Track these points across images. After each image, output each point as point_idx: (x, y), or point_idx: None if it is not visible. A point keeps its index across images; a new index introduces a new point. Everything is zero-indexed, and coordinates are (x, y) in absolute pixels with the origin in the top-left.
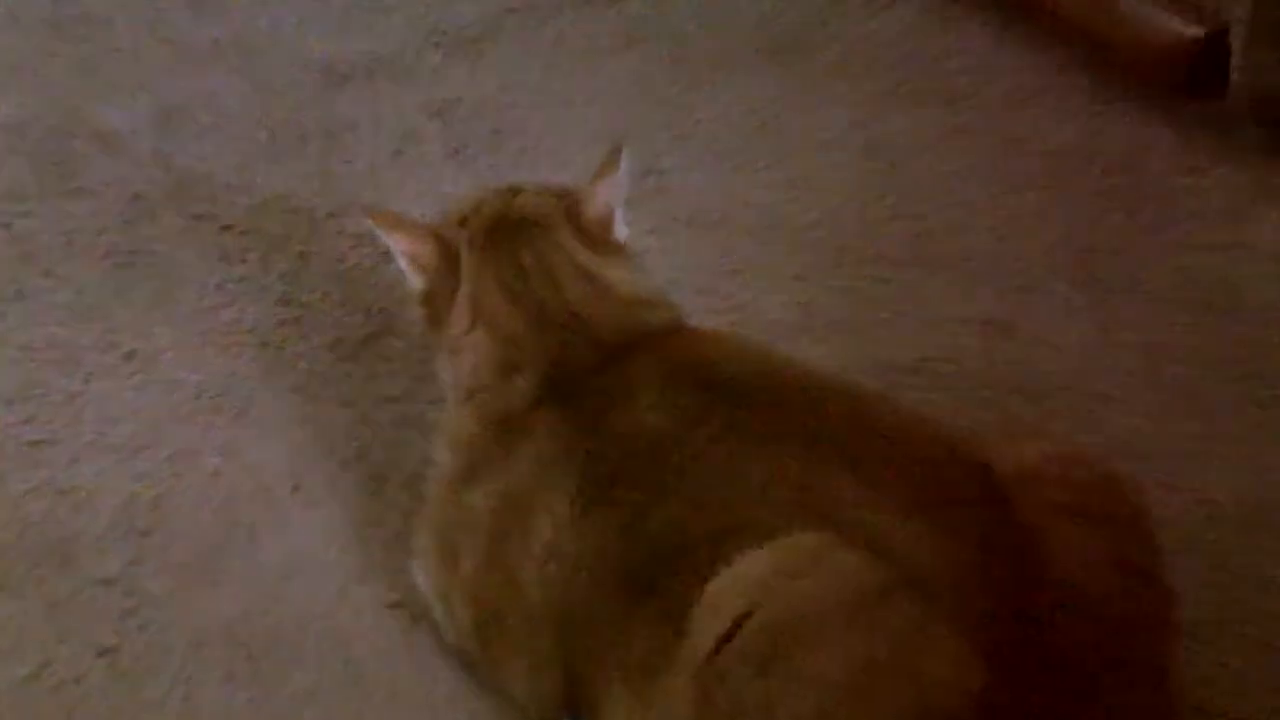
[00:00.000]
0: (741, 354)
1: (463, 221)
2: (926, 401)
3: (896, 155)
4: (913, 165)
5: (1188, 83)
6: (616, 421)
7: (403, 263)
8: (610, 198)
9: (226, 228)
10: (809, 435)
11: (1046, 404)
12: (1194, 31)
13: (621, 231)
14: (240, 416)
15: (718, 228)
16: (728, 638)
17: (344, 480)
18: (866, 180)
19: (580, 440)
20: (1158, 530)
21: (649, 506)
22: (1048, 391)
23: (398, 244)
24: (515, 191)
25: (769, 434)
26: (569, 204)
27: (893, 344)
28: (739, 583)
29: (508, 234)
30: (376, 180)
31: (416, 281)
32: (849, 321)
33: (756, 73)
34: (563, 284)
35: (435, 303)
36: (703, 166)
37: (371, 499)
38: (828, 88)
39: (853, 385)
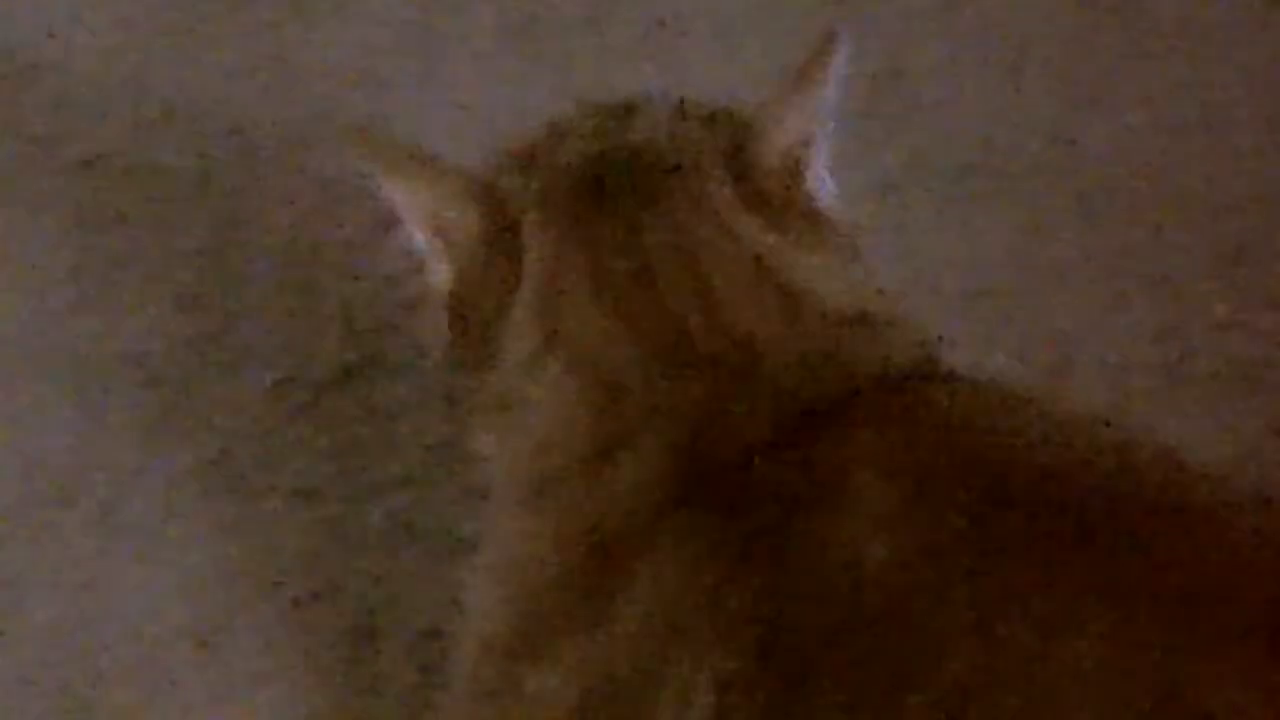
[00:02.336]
0: (1060, 434)
1: (530, 164)
2: None
3: None
4: None
5: None
6: (812, 548)
7: (416, 234)
8: (810, 127)
9: (91, 162)
10: (1187, 588)
11: None
12: None
13: (827, 190)
14: (105, 516)
15: (1018, 188)
16: None
17: (298, 636)
18: None
19: (742, 580)
20: None
21: (879, 710)
22: None
23: (406, 199)
24: (631, 111)
25: (1115, 584)
26: (732, 138)
27: None
28: None
29: (615, 190)
30: (374, 80)
31: (440, 270)
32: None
33: None
34: (716, 284)
35: (472, 311)
36: (990, 71)
37: (350, 672)
38: None
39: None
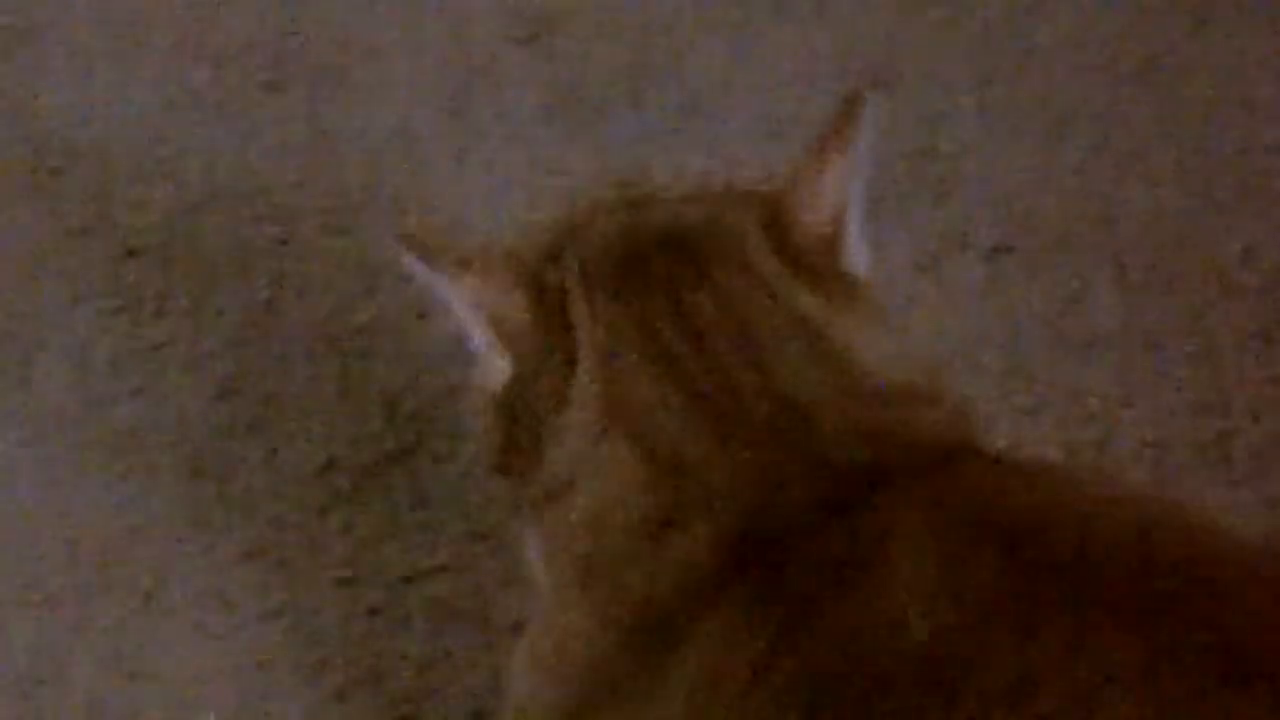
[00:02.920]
0: (1100, 509)
1: (568, 245)
2: None
3: None
4: None
5: None
6: (853, 621)
7: (475, 333)
8: (843, 195)
9: (130, 250)
10: (1224, 655)
11: None
12: None
13: (860, 257)
14: (147, 602)
15: (1055, 262)
16: None
17: None
18: None
19: (785, 655)
20: None
21: None
22: None
23: (462, 298)
24: (663, 190)
25: (1151, 653)
26: (768, 209)
27: None
28: None
29: (657, 264)
30: (412, 160)
31: (497, 366)
32: None
33: None
34: (768, 351)
35: (530, 398)
36: (1026, 146)
37: None
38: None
39: None
